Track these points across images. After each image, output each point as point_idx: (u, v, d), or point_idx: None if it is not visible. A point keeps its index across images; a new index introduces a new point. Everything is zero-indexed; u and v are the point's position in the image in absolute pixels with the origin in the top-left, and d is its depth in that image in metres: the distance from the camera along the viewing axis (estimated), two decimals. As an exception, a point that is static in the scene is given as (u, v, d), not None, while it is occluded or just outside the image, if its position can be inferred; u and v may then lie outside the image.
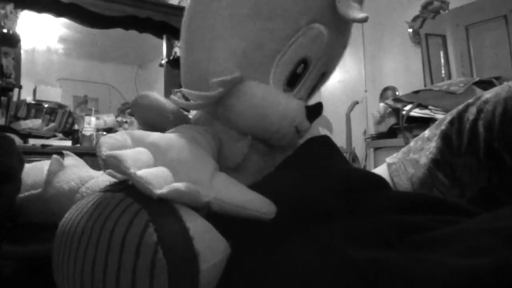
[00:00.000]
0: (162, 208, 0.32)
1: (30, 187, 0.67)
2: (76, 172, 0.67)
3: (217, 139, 0.47)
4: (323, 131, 0.58)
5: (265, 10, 0.43)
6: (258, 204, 0.38)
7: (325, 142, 0.53)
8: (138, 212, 0.31)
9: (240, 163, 0.48)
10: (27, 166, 0.72)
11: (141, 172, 0.32)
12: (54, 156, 0.70)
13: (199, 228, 0.33)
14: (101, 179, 0.67)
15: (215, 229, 0.34)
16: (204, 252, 0.32)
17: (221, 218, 0.36)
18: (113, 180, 0.40)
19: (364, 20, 0.42)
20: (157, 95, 0.54)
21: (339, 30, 0.48)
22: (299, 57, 0.45)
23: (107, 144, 0.35)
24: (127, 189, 0.35)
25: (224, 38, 0.44)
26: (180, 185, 0.33)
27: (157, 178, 0.33)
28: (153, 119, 0.52)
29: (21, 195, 0.65)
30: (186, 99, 0.50)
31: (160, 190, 0.32)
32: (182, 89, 0.48)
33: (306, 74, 0.47)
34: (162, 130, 0.46)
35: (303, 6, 0.44)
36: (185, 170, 0.37)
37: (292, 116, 0.45)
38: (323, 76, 0.52)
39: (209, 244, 0.33)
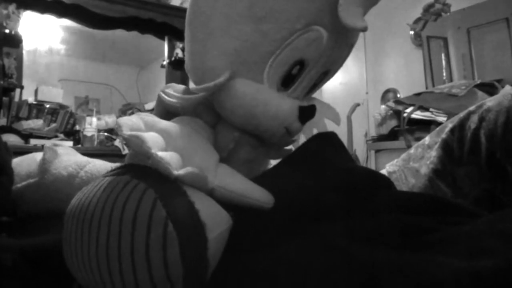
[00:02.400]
0: (167, 187, 0.35)
1: (26, 176, 0.67)
2: (72, 159, 0.68)
3: (212, 130, 0.50)
4: (324, 125, 0.58)
5: (259, 11, 0.43)
6: (258, 194, 0.41)
7: (331, 139, 0.53)
8: (145, 191, 0.33)
9: (225, 156, 0.49)
10: (16, 159, 0.72)
11: (161, 153, 0.35)
12: (47, 145, 0.71)
13: (203, 202, 0.35)
14: (98, 163, 0.68)
15: (216, 203, 0.37)
16: (210, 222, 0.34)
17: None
18: (109, 164, 0.43)
19: (363, 30, 0.42)
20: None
21: (341, 30, 0.46)
22: (294, 58, 0.45)
23: (127, 125, 0.37)
24: (131, 171, 0.37)
25: (218, 36, 0.45)
26: (195, 169, 0.36)
27: (174, 160, 0.36)
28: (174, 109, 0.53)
29: (18, 185, 0.66)
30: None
31: (178, 171, 0.35)
32: (192, 86, 0.49)
33: (302, 75, 0.47)
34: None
35: (300, 8, 0.43)
36: (194, 157, 0.39)
37: (282, 117, 0.46)
38: (326, 74, 0.51)
39: (213, 216, 0.35)
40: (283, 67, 0.46)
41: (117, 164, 0.42)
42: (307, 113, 0.47)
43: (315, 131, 0.57)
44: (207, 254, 0.34)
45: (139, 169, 0.37)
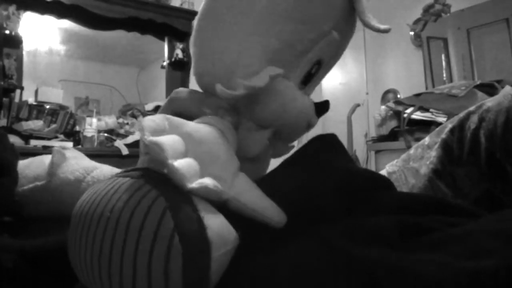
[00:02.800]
0: (179, 197, 0.34)
1: (33, 179, 0.68)
2: (80, 163, 0.69)
3: (235, 131, 0.50)
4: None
5: (299, 13, 0.47)
6: (272, 212, 0.40)
7: (331, 140, 0.53)
8: (156, 199, 0.33)
9: (258, 153, 0.50)
10: (25, 160, 0.73)
11: (178, 164, 0.35)
12: (56, 148, 0.71)
13: (213, 218, 0.35)
14: (105, 168, 0.69)
15: (226, 220, 0.36)
16: (216, 241, 0.34)
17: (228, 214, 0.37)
18: (116, 170, 0.42)
19: (387, 31, 0.48)
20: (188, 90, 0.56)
21: (346, 35, 0.52)
22: (317, 58, 0.49)
23: (150, 128, 0.37)
24: (145, 176, 0.36)
25: (258, 35, 0.47)
26: (209, 183, 0.36)
27: (190, 171, 0.35)
28: (188, 112, 0.52)
29: (25, 187, 0.67)
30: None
31: (191, 185, 0.34)
32: (218, 85, 0.47)
33: (317, 74, 0.52)
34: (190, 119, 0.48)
35: (329, 13, 0.48)
36: (213, 165, 0.39)
37: (306, 112, 0.49)
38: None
39: (221, 234, 0.35)
40: (307, 66, 0.49)
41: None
42: (323, 108, 0.52)
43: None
44: (209, 272, 0.33)
45: (154, 174, 0.37)
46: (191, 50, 0.53)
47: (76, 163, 0.69)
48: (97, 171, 0.66)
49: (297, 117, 0.49)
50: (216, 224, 0.35)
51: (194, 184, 0.35)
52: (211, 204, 0.37)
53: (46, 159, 0.71)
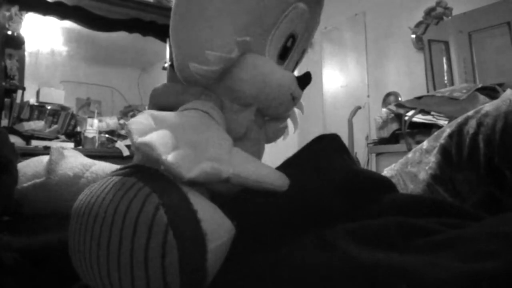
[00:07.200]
0: (171, 192, 0.35)
1: (32, 176, 0.69)
2: (78, 160, 0.69)
3: (221, 113, 0.50)
4: (294, 113, 0.60)
5: None
6: (272, 178, 0.41)
7: (334, 141, 0.53)
8: (148, 196, 0.33)
9: (244, 132, 0.51)
10: (25, 161, 0.73)
11: (171, 157, 0.35)
12: (54, 146, 0.72)
13: (206, 211, 0.35)
14: (103, 164, 0.69)
15: (220, 211, 0.36)
16: (211, 233, 0.34)
17: (226, 213, 0.37)
18: (114, 166, 0.42)
19: None
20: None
21: (314, 8, 0.53)
22: (289, 31, 0.50)
23: (137, 130, 0.37)
24: (137, 173, 0.37)
25: (227, 12, 0.47)
26: (206, 167, 0.36)
27: (185, 161, 0.36)
28: (168, 103, 0.53)
29: (24, 184, 0.67)
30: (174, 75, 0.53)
31: (189, 174, 0.35)
32: (192, 64, 0.48)
33: (293, 48, 0.52)
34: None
35: None
36: (207, 148, 0.40)
37: (288, 84, 0.50)
38: (303, 53, 0.57)
39: (215, 226, 0.35)
40: (281, 40, 0.50)
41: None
42: (305, 79, 0.52)
43: (289, 121, 0.59)
44: (206, 265, 0.33)
45: (146, 171, 0.37)
46: (172, 44, 0.53)
47: (74, 160, 0.69)
48: (96, 167, 0.66)
49: (279, 89, 0.49)
50: (210, 216, 0.35)
51: (192, 173, 0.35)
52: (203, 195, 0.37)
53: (44, 158, 0.72)
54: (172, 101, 0.50)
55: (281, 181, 0.41)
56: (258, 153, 0.53)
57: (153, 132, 0.37)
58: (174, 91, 0.52)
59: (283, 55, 0.52)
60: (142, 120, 0.39)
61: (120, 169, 0.40)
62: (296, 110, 0.59)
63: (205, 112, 0.45)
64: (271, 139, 0.57)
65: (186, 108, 0.46)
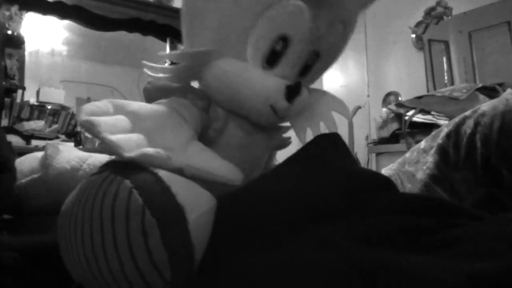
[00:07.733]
0: (143, 175, 0.35)
1: (29, 172, 0.69)
2: (73, 153, 0.70)
3: (204, 112, 0.49)
4: (332, 118, 0.56)
5: None
6: (225, 171, 0.41)
7: (334, 140, 0.52)
8: (121, 183, 0.34)
9: (215, 136, 0.49)
10: (19, 158, 0.73)
11: (113, 137, 0.35)
12: (49, 142, 0.72)
13: (180, 185, 0.35)
14: (99, 156, 0.70)
15: (197, 184, 0.37)
16: (189, 204, 0.34)
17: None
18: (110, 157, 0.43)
19: None
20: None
21: (323, 5, 0.45)
22: (275, 33, 0.45)
23: (87, 110, 0.37)
24: (110, 168, 0.37)
25: (201, 16, 0.46)
26: (149, 150, 0.36)
27: (129, 142, 0.36)
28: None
29: (22, 181, 0.67)
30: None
31: (129, 153, 0.35)
32: (146, 63, 0.49)
33: (287, 52, 0.46)
34: None
35: None
36: (160, 137, 0.40)
37: (266, 94, 0.45)
38: (317, 55, 0.50)
39: (192, 197, 0.35)
40: (264, 43, 0.45)
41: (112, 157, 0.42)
42: (293, 90, 0.46)
43: (322, 125, 0.56)
44: (189, 236, 0.33)
45: (119, 164, 0.38)
46: None
47: (70, 154, 0.69)
48: (92, 159, 0.67)
49: (254, 99, 0.45)
50: (185, 189, 0.35)
51: (132, 153, 0.35)
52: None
53: (39, 154, 0.72)
54: (162, 97, 0.50)
55: (232, 175, 0.41)
56: (249, 160, 0.50)
57: (106, 116, 0.38)
58: (162, 88, 0.52)
59: (271, 60, 0.46)
60: (99, 104, 0.39)
61: (99, 167, 0.41)
62: (335, 114, 0.55)
63: (172, 107, 0.45)
64: (278, 147, 0.56)
65: (157, 102, 0.46)
